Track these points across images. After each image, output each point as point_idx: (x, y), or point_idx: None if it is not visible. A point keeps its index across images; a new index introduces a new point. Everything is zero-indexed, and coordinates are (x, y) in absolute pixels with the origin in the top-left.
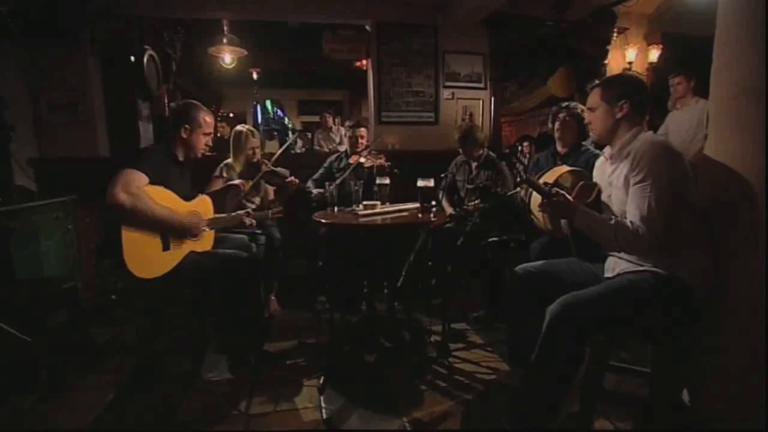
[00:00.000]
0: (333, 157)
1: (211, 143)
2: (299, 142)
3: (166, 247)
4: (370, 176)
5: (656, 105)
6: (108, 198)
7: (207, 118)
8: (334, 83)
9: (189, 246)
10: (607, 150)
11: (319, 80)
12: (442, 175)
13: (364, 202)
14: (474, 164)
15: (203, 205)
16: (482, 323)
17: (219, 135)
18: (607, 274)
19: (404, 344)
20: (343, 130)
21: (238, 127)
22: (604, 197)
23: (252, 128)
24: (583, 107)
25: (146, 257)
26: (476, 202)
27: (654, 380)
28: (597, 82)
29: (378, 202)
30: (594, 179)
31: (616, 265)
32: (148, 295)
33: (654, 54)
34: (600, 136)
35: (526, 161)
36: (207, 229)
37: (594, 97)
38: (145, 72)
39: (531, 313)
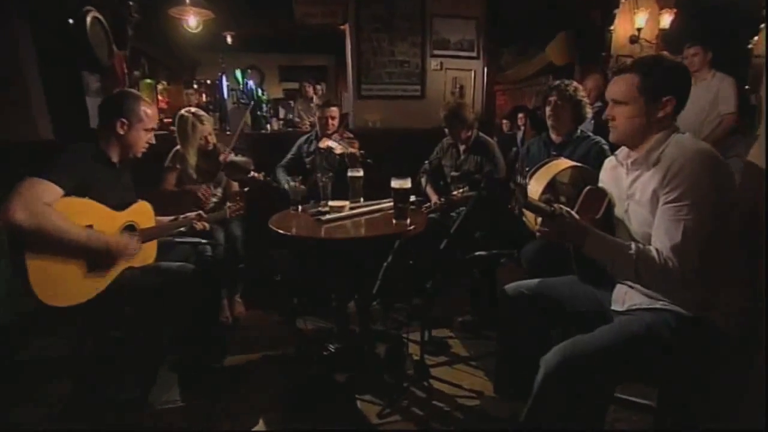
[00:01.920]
0: (302, 138)
1: (153, 140)
2: (281, 111)
3: (91, 268)
4: (341, 164)
5: None
6: (2, 215)
7: (149, 111)
8: (317, 47)
9: (124, 262)
10: (623, 152)
11: (302, 44)
12: (426, 161)
13: (331, 203)
14: (462, 147)
15: (141, 213)
16: (468, 330)
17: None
18: (616, 307)
19: (379, 361)
20: None
21: (183, 113)
22: (618, 212)
23: (200, 112)
24: (576, 85)
25: (63, 282)
26: (463, 190)
27: (659, 418)
28: (628, 63)
29: (347, 203)
30: (600, 184)
31: (627, 296)
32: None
33: (666, 19)
34: (624, 137)
35: (521, 134)
36: (139, 243)
37: (625, 86)
38: (90, 38)
39: (522, 340)
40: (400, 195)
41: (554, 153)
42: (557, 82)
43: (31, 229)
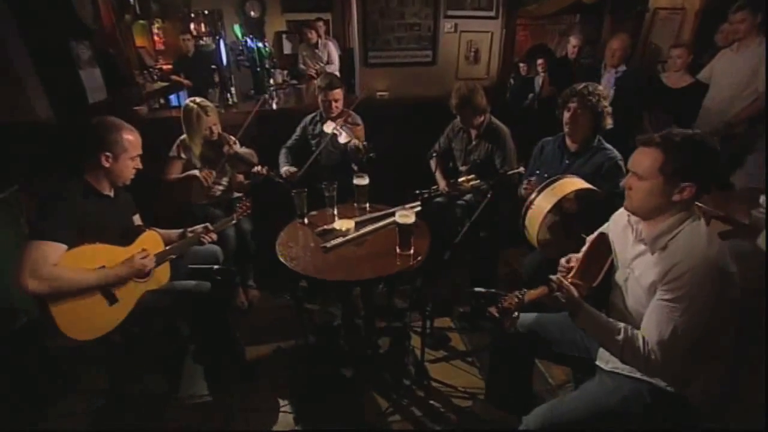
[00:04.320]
0: (308, 118)
1: (140, 165)
2: (285, 43)
3: (112, 301)
4: (347, 153)
5: (704, 39)
6: (18, 287)
7: (131, 137)
8: None
9: (141, 288)
10: (633, 219)
11: None
12: (436, 144)
13: (336, 225)
14: (474, 133)
15: (150, 243)
16: (467, 321)
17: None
18: (600, 363)
19: (383, 357)
20: (331, 45)
21: (188, 103)
22: (619, 278)
23: (205, 103)
24: (601, 92)
25: (86, 320)
26: (470, 177)
27: None
28: (656, 138)
29: (352, 224)
30: (606, 229)
31: (612, 358)
32: None
33: None
34: (637, 210)
35: (539, 80)
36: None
37: (647, 162)
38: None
39: (512, 366)
40: (405, 227)
41: (567, 161)
42: (580, 86)
43: (45, 293)
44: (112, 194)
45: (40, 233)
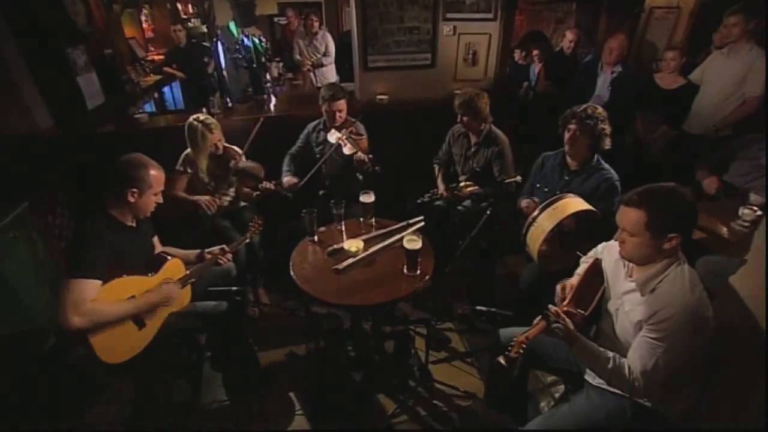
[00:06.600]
0: (311, 126)
1: (161, 200)
2: (277, 30)
3: (141, 326)
4: (350, 162)
5: (698, 39)
6: (62, 324)
7: (156, 174)
8: None
9: (166, 311)
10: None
11: None
12: (437, 160)
13: (345, 245)
14: (473, 139)
15: (173, 270)
16: (467, 322)
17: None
18: (588, 378)
19: (388, 360)
20: (329, 36)
21: (192, 121)
22: (610, 307)
23: (209, 120)
24: (599, 114)
25: (119, 345)
26: (468, 183)
27: None
28: (635, 197)
29: (361, 245)
30: (600, 255)
31: None
32: None
33: None
34: (631, 259)
35: (535, 69)
36: (179, 290)
37: (633, 221)
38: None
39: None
40: (412, 252)
41: (566, 178)
42: (580, 108)
43: (88, 327)
44: (134, 224)
45: (77, 271)
